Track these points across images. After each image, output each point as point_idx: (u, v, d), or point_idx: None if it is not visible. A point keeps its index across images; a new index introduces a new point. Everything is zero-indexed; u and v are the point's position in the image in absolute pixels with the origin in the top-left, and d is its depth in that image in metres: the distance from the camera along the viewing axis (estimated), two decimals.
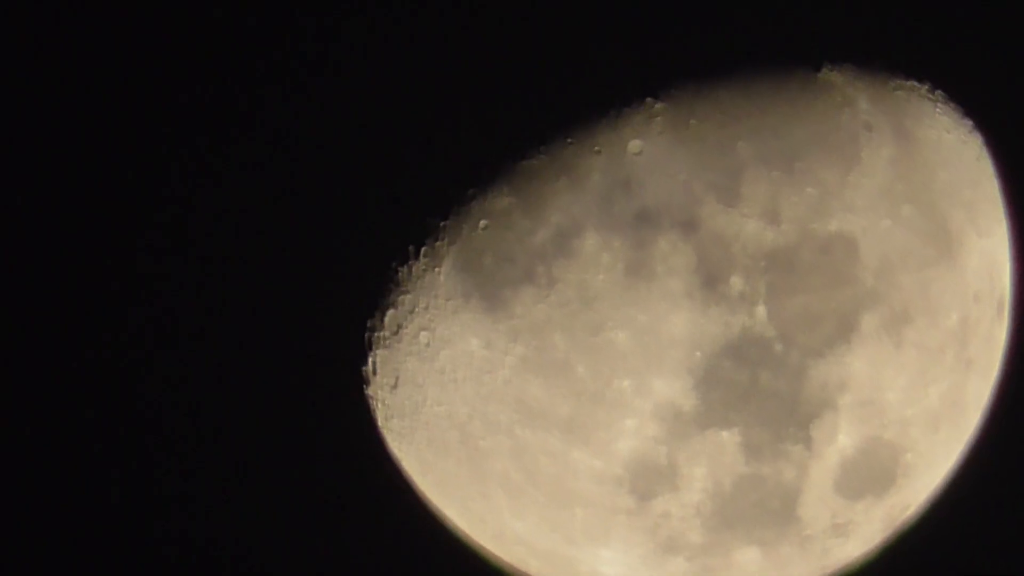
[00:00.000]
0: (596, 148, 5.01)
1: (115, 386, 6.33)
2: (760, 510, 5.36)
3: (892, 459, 5.48)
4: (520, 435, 5.25)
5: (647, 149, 5.00)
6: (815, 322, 5.11)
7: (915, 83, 5.33)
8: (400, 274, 5.28)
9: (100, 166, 6.01)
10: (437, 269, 5.21)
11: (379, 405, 5.57)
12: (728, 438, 5.19)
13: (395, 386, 5.46)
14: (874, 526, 5.69)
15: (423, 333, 5.29)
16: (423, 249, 5.22)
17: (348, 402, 5.55)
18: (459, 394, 5.28)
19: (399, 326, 5.35)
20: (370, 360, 5.49)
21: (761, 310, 5.06)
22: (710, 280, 5.03)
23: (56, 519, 6.68)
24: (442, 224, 5.17)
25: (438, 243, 5.19)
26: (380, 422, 5.61)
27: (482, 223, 5.12)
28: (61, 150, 6.06)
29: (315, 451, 5.90)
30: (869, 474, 5.45)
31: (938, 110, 5.37)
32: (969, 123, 5.49)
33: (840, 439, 5.30)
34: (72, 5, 5.93)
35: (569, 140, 5.03)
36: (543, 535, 5.50)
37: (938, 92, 5.38)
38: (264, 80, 5.42)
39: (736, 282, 5.03)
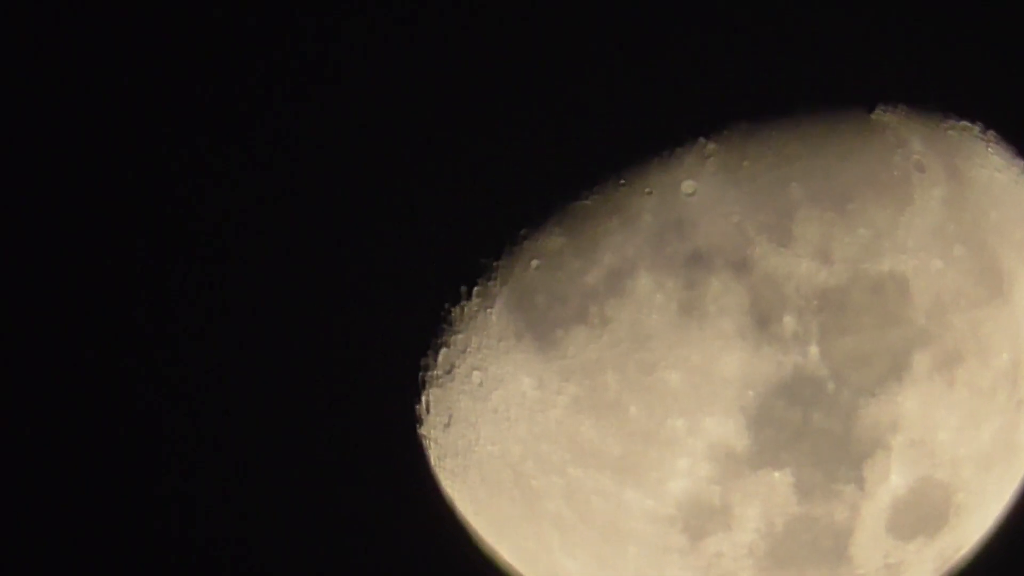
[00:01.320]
0: (648, 189, 5.03)
1: (164, 417, 6.35)
2: (812, 550, 5.34)
3: (944, 499, 5.46)
4: (573, 474, 5.25)
5: (700, 190, 5.02)
6: (867, 362, 5.11)
7: (968, 123, 5.33)
8: (453, 314, 5.30)
9: (144, 181, 6.01)
10: (489, 309, 5.23)
11: (432, 444, 5.59)
12: (780, 478, 5.18)
13: (448, 425, 5.47)
14: (926, 566, 5.66)
15: (476, 372, 5.31)
16: (475, 289, 5.24)
17: (401, 441, 5.56)
18: (512, 433, 5.29)
19: (452, 365, 5.37)
20: (423, 399, 5.50)
21: (813, 350, 5.06)
22: (763, 320, 5.03)
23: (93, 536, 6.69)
24: (494, 264, 5.19)
25: (490, 283, 5.21)
26: (433, 461, 5.62)
27: (534, 263, 5.14)
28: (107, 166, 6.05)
29: (368, 490, 5.91)
30: (921, 514, 5.43)
31: (990, 150, 5.37)
32: (1022, 163, 5.49)
33: (892, 479, 5.29)
34: (72, 5, 5.94)
35: (622, 181, 5.05)
36: (595, 574, 5.50)
37: (990, 132, 5.38)
38: (318, 115, 5.45)
39: (789, 322, 5.04)
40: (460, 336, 5.31)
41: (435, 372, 5.42)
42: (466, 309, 5.27)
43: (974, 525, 5.72)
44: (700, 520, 5.26)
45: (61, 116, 6.04)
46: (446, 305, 5.30)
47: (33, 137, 6.08)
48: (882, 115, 5.16)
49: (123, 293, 6.17)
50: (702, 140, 5.03)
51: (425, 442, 5.60)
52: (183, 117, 5.83)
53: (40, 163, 6.10)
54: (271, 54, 5.66)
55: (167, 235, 6.02)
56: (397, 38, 5.33)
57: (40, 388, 6.44)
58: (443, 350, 5.37)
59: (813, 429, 5.12)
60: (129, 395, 6.35)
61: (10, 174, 6.14)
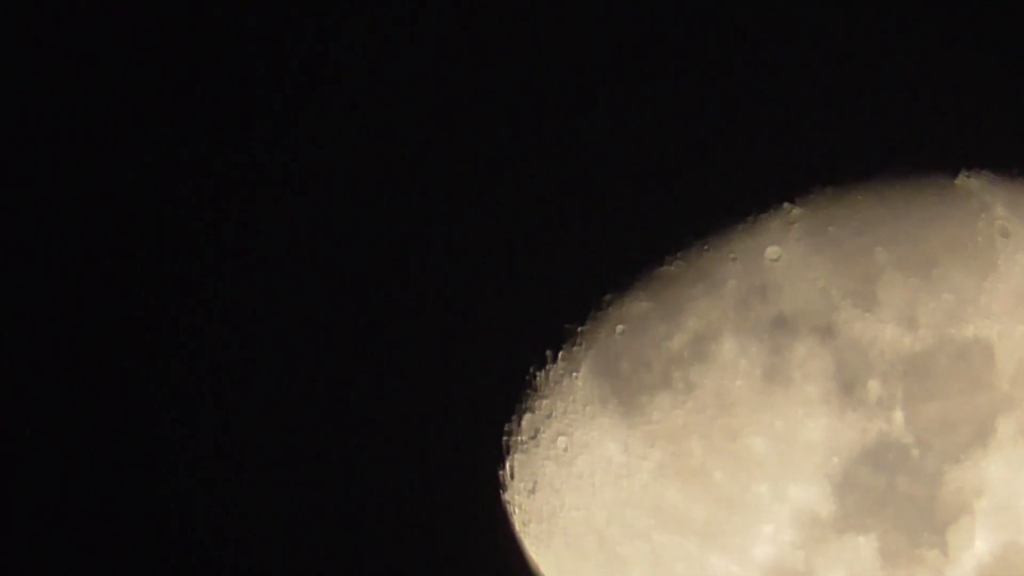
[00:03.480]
0: (732, 254, 5.05)
1: (228, 468, 6.35)
2: None
3: None
4: (658, 540, 5.24)
5: (784, 255, 5.03)
6: (952, 427, 5.09)
7: None
8: (538, 379, 5.32)
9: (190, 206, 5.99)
10: (575, 374, 5.25)
11: (516, 510, 5.59)
12: (865, 543, 5.16)
13: (533, 491, 5.47)
14: None
15: (561, 438, 5.32)
16: (560, 354, 5.26)
17: (485, 506, 5.56)
18: (597, 499, 5.29)
19: (537, 431, 5.38)
20: (507, 465, 5.51)
21: (898, 415, 5.05)
22: (847, 385, 5.03)
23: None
24: (579, 329, 5.21)
25: (575, 348, 5.23)
26: (518, 527, 5.62)
27: (619, 328, 5.16)
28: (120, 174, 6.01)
29: (453, 556, 5.91)
30: None
31: None
32: None
33: (976, 544, 5.26)
34: (72, 5, 5.95)
35: (706, 246, 5.07)
36: None
37: None
38: (403, 183, 5.48)
39: (873, 387, 5.03)
40: (545, 401, 5.32)
41: (519, 437, 5.43)
42: (551, 374, 5.29)
43: None
44: None
45: (61, 116, 6.00)
46: (531, 370, 5.31)
47: (33, 137, 6.04)
48: (966, 180, 5.17)
49: (154, 305, 6.14)
50: (787, 205, 5.05)
51: (509, 508, 5.60)
52: (183, 117, 5.82)
53: (40, 163, 6.07)
54: (272, 54, 5.68)
55: (177, 251, 6.00)
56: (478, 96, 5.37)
57: (51, 389, 6.41)
58: (527, 415, 5.38)
59: (898, 495, 5.11)
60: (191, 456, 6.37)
61: (10, 174, 6.12)
